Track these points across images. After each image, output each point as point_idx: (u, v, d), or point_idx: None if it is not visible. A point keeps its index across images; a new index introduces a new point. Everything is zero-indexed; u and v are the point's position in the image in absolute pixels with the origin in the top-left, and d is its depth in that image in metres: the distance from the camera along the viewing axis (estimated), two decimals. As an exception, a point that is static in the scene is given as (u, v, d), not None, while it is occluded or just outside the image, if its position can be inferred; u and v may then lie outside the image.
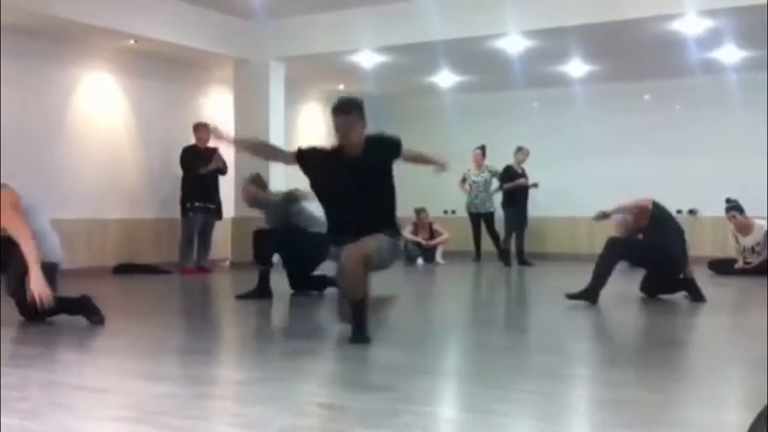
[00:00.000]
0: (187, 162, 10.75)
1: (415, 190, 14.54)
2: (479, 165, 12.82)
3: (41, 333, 5.42)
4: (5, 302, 5.77)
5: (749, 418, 3.14)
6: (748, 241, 10.48)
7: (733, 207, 10.55)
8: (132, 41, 10.42)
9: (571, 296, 6.86)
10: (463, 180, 12.91)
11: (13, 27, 9.29)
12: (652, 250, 7.31)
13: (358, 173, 4.90)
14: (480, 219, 12.78)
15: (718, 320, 6.65)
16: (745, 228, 10.51)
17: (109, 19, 9.68)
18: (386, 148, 5.04)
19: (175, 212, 10.94)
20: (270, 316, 6.96)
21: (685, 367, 4.34)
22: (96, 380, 4.02)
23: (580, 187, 13.44)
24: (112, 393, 3.71)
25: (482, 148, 12.83)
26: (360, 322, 4.86)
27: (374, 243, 4.83)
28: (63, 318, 5.68)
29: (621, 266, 11.55)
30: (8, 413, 3.26)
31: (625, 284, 9.70)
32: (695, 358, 4.67)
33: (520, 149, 12.44)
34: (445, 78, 13.47)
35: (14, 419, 3.15)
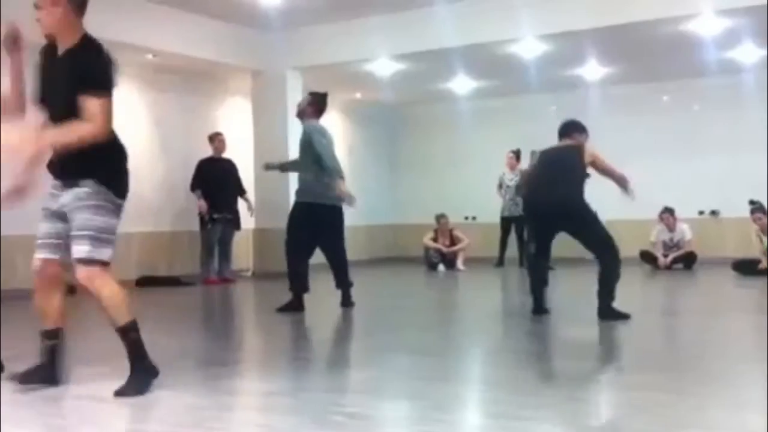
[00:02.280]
0: (197, 180, 10.83)
1: (435, 196, 14.62)
2: (513, 169, 12.73)
3: (68, 347, 5.45)
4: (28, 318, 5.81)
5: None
6: (772, 240, 10.45)
7: (758, 208, 10.57)
8: (150, 55, 10.50)
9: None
10: (500, 185, 12.83)
11: (31, 45, 9.37)
12: None
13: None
14: (511, 224, 12.69)
15: (742, 321, 6.59)
16: (768, 228, 10.50)
17: (126, 34, 9.73)
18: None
19: (195, 224, 11.00)
20: (290, 326, 6.96)
21: (710, 370, 4.30)
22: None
23: (599, 190, 13.34)
24: (139, 405, 3.73)
25: (516, 152, 12.71)
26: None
27: None
28: (89, 332, 5.70)
29: (643, 270, 11.50)
30: (38, 428, 3.29)
31: (645, 288, 9.65)
32: (720, 360, 4.63)
33: (533, 153, 12.36)
34: (462, 84, 13.47)
35: (43, 434, 3.18)
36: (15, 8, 8.38)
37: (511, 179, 12.64)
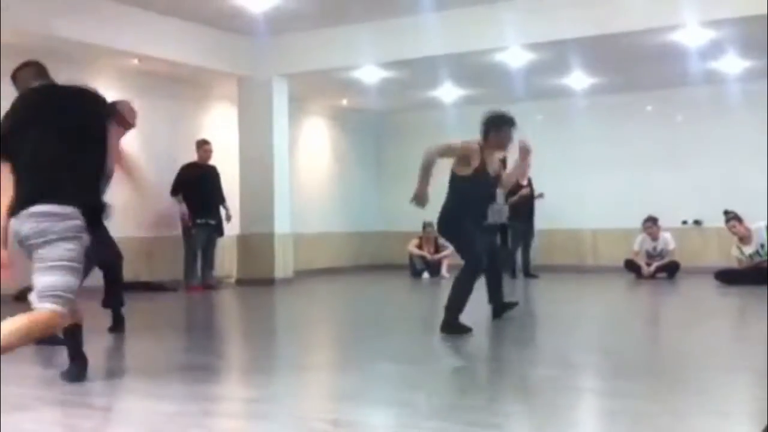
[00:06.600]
0: (177, 184, 10.80)
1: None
2: None
3: (49, 354, 5.42)
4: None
5: (754, 430, 3.13)
6: (752, 247, 10.55)
7: (733, 218, 10.68)
8: (135, 60, 10.47)
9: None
10: None
11: (16, 48, 9.32)
12: None
13: None
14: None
15: (724, 330, 6.63)
16: (746, 236, 10.62)
17: (112, 39, 9.71)
18: None
19: (178, 229, 10.95)
20: (274, 333, 6.94)
21: (690, 378, 4.32)
22: (103, 399, 4.01)
23: (584, 199, 13.44)
24: (119, 412, 3.71)
25: None
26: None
27: None
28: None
29: (627, 279, 11.55)
30: (16, 434, 3.26)
31: (627, 293, 9.69)
32: (701, 368, 4.65)
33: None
34: (448, 92, 13.50)
35: (22, 439, 3.15)
36: (15, 8, 8.45)
37: None
